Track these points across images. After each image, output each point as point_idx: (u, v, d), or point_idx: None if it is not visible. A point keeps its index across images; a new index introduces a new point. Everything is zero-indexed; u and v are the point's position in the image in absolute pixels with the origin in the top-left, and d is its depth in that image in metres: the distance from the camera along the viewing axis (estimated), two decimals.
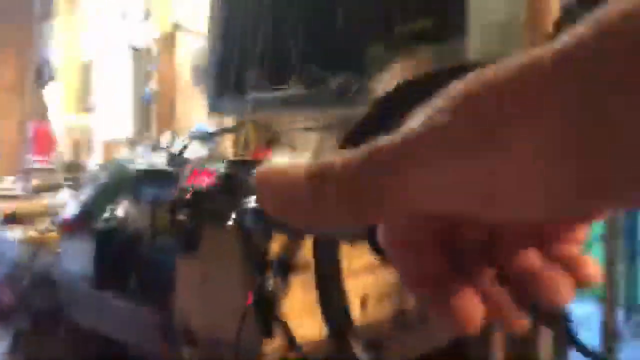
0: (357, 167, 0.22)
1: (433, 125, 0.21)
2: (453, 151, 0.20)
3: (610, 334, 3.24)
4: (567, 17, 0.94)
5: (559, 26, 0.95)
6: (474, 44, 1.24)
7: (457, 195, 0.21)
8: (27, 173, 2.55)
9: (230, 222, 1.08)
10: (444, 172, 0.21)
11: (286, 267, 1.00)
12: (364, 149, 0.22)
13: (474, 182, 0.20)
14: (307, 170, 0.23)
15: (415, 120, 0.22)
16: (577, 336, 1.15)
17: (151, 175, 1.45)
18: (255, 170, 0.24)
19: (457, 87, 0.21)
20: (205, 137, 1.83)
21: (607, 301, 3.30)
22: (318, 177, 0.22)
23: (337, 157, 0.23)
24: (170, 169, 1.40)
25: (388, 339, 1.22)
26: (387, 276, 1.14)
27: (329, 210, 0.22)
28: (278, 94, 1.97)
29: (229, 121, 2.16)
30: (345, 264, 0.89)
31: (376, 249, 0.45)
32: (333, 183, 0.22)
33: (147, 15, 2.72)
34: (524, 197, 0.20)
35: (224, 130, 1.95)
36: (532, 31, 1.36)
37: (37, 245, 1.68)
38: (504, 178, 0.20)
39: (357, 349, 0.82)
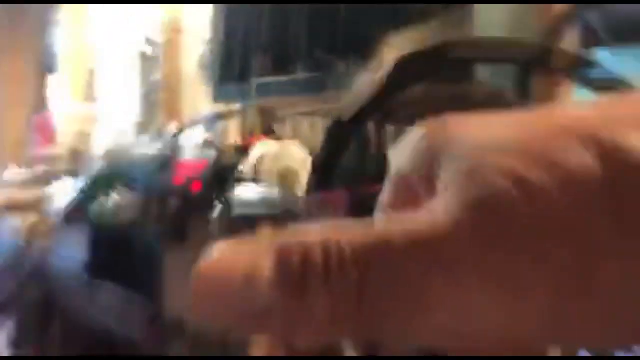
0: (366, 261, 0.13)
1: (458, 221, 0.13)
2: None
3: None
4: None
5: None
6: (482, 22, 1.17)
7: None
8: (31, 162, 2.54)
9: (217, 212, 1.05)
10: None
11: None
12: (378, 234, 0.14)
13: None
14: (277, 256, 0.14)
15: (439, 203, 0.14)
16: None
17: (144, 164, 1.42)
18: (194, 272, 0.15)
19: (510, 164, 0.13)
20: (204, 124, 1.79)
21: None
22: (296, 271, 0.14)
23: (322, 238, 0.14)
24: (162, 157, 1.37)
25: None
26: None
27: (314, 324, 0.14)
28: (283, 79, 1.94)
29: (234, 108, 2.12)
30: None
31: None
32: (321, 286, 0.13)
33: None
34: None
35: (221, 116, 1.91)
36: (540, 12, 1.29)
37: (33, 234, 1.66)
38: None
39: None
